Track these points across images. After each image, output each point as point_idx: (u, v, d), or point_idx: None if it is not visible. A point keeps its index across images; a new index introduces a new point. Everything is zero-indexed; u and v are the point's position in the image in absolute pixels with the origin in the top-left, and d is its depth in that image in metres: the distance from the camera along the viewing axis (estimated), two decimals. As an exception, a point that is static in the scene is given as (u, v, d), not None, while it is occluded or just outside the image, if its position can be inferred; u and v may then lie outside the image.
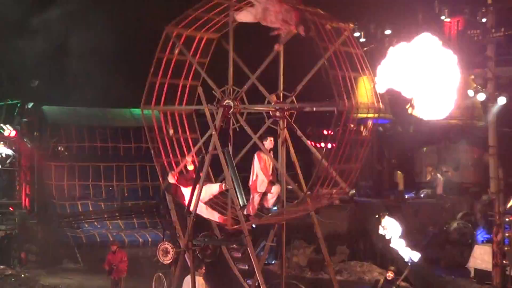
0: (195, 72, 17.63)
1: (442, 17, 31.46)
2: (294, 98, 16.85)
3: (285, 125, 17.11)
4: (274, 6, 16.22)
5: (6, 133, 29.20)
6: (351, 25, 16.48)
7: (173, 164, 17.80)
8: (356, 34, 32.86)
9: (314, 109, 16.86)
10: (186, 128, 18.10)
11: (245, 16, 16.72)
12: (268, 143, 16.94)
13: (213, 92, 16.91)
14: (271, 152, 17.08)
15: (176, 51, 17.31)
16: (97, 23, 36.27)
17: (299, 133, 16.96)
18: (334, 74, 15.46)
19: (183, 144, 17.99)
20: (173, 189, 17.79)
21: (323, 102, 16.75)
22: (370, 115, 17.02)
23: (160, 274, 21.48)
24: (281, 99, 16.96)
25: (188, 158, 17.49)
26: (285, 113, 16.98)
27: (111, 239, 26.07)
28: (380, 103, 16.91)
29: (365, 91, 16.60)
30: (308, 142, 17.30)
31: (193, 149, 17.65)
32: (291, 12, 16.14)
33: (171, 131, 17.69)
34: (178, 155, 17.83)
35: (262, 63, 16.66)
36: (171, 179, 17.38)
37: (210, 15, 17.13)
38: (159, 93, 17.46)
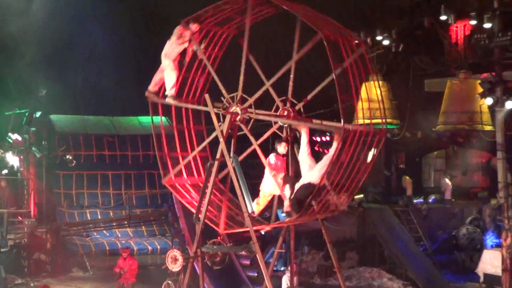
0: (205, 67, 17.71)
1: (449, 22, 31.48)
2: (302, 107, 16.91)
3: (290, 134, 17.14)
4: (165, 46, 17.35)
5: (13, 138, 29.31)
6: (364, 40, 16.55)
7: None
8: (363, 40, 32.92)
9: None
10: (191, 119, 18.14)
11: (170, 79, 17.36)
12: (282, 148, 16.95)
13: (222, 98, 16.94)
14: (285, 157, 17.12)
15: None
16: (104, 33, 36.41)
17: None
18: (344, 99, 15.53)
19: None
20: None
21: (330, 122, 16.79)
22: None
23: (170, 282, 21.55)
24: (290, 104, 16.98)
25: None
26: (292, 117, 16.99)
27: (121, 247, 26.06)
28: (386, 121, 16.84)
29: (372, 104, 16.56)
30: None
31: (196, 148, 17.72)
32: (176, 28, 17.14)
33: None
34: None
35: (272, 69, 16.68)
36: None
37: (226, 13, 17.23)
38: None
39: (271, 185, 16.83)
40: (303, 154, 16.65)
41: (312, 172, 16.29)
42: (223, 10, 17.04)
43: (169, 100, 17.40)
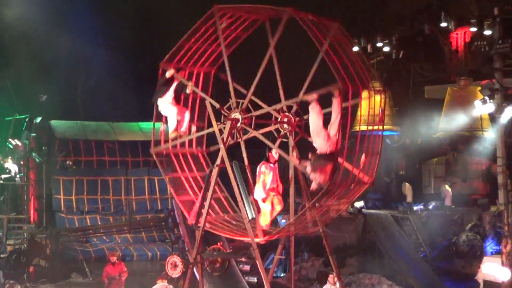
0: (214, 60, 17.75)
1: (449, 28, 31.53)
2: (299, 108, 16.95)
3: (295, 139, 17.16)
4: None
5: (13, 143, 29.30)
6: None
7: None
8: (363, 46, 32.97)
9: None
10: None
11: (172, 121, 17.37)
12: (274, 155, 16.97)
13: (220, 110, 16.98)
14: (276, 164, 17.14)
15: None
16: (105, 38, 36.44)
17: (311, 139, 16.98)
18: (333, 61, 15.58)
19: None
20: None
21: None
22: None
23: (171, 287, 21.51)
24: (286, 111, 17.02)
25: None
26: (293, 123, 17.02)
27: (108, 251, 25.85)
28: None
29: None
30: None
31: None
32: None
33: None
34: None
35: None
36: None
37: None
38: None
39: (262, 192, 16.87)
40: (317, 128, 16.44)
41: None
42: (195, 42, 17.08)
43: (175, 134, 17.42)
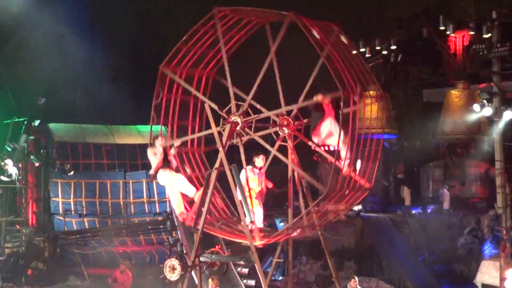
0: (214, 63, 17.74)
1: (448, 32, 31.58)
2: (298, 112, 16.96)
3: (293, 143, 17.16)
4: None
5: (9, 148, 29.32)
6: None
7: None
8: (362, 50, 33.04)
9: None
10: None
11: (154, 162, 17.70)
12: (260, 160, 17.01)
13: (219, 113, 16.97)
14: (262, 170, 17.21)
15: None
16: (103, 41, 36.42)
17: (310, 143, 17.00)
18: (334, 66, 15.58)
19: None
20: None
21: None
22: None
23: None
24: (285, 114, 17.03)
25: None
26: (292, 127, 17.02)
27: (120, 258, 25.96)
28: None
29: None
30: (322, 151, 17.35)
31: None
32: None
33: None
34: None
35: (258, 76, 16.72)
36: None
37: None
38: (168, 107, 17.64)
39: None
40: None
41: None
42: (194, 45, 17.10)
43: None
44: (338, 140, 15.60)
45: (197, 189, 17.25)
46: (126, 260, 25.42)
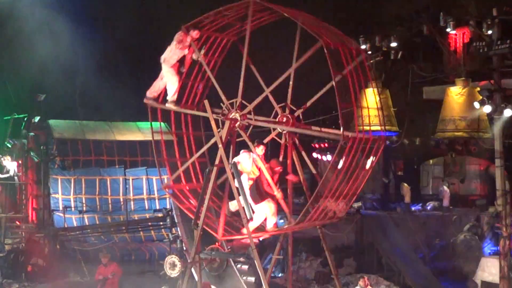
0: (205, 73, 17.74)
1: (448, 29, 31.55)
2: (301, 114, 16.99)
3: (289, 140, 17.18)
4: (165, 51, 17.43)
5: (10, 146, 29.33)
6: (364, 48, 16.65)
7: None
8: (362, 47, 33.00)
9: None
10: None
11: (172, 87, 17.45)
12: (260, 150, 16.98)
13: (221, 104, 16.96)
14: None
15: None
16: (103, 37, 36.43)
17: (303, 153, 17.12)
18: (343, 106, 15.57)
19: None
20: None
21: (329, 129, 16.85)
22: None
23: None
24: (289, 111, 17.04)
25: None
26: (291, 124, 17.03)
27: (100, 253, 25.87)
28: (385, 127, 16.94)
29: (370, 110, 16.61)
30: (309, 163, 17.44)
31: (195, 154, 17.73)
32: (177, 33, 17.19)
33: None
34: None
35: (272, 76, 16.72)
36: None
37: (226, 20, 17.28)
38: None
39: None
40: None
41: None
42: (224, 16, 17.10)
43: (169, 106, 17.44)
44: None
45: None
46: (104, 252, 25.33)
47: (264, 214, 16.75)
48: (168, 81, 17.38)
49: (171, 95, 17.39)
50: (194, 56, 17.34)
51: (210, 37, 17.61)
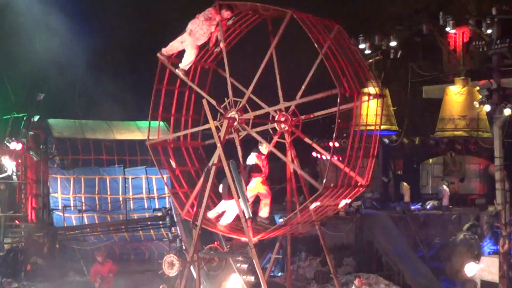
0: (201, 79, 17.73)
1: (447, 28, 31.54)
2: (295, 108, 16.97)
3: (290, 138, 17.17)
4: (194, 22, 17.06)
5: (12, 147, 29.20)
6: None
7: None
8: (361, 46, 33.02)
9: (318, 96, 16.59)
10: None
11: (188, 57, 17.23)
12: (264, 148, 16.99)
13: (217, 108, 16.94)
14: (265, 157, 17.19)
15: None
16: (102, 37, 36.41)
17: (307, 140, 17.02)
18: (332, 64, 15.57)
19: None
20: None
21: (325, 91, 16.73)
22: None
23: (165, 287, 21.50)
24: (283, 110, 17.05)
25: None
26: (290, 123, 17.02)
27: (96, 252, 25.85)
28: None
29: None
30: (317, 146, 17.41)
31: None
32: (208, 9, 16.91)
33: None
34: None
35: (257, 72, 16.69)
36: None
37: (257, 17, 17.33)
38: (166, 102, 17.58)
39: (253, 184, 16.92)
40: None
41: None
42: (258, 13, 17.06)
43: (179, 72, 17.29)
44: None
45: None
46: (100, 251, 25.33)
47: (235, 211, 16.81)
48: (186, 50, 17.22)
49: (185, 64, 17.25)
50: (219, 36, 17.15)
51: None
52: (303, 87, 16.36)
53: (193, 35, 17.13)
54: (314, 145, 17.36)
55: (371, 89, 16.71)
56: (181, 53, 17.47)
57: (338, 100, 15.50)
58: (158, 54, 17.41)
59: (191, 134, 18.01)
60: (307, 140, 17.10)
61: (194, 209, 17.06)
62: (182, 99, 17.93)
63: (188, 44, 17.20)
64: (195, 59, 17.36)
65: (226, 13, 16.93)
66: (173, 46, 17.41)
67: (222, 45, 17.06)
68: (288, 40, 17.30)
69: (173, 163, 17.74)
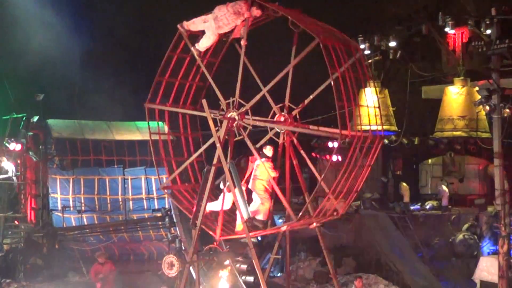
0: (203, 73, 17.66)
1: (447, 29, 31.53)
2: (298, 113, 16.98)
3: (287, 139, 17.18)
4: (221, 9, 16.77)
5: (11, 147, 29.18)
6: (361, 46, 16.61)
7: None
8: (361, 46, 33.00)
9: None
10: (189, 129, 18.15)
11: (206, 41, 17.12)
12: (268, 151, 16.98)
13: (220, 102, 16.92)
14: (270, 160, 17.19)
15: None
16: (102, 37, 36.42)
17: (302, 153, 17.11)
18: (340, 105, 15.55)
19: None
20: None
21: (327, 128, 16.83)
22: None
23: None
24: (287, 110, 17.04)
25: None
26: (290, 123, 17.05)
27: (97, 252, 25.85)
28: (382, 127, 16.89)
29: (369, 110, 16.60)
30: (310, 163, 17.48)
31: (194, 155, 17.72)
32: (238, 2, 16.69)
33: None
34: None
35: (270, 75, 16.69)
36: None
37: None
38: (165, 92, 17.56)
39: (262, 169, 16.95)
40: None
41: None
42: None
43: (194, 50, 17.20)
44: None
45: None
46: (102, 251, 25.33)
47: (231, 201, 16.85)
48: (207, 33, 17.10)
49: (201, 46, 17.15)
50: (242, 32, 17.01)
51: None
52: (311, 96, 16.46)
53: (217, 21, 16.90)
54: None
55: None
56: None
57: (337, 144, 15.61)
58: (179, 26, 17.26)
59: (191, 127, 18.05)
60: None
61: (194, 209, 17.09)
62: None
63: (210, 27, 17.00)
64: (213, 44, 17.25)
65: (256, 11, 16.66)
66: (196, 23, 17.20)
67: (243, 42, 16.88)
68: (289, 41, 17.28)
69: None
